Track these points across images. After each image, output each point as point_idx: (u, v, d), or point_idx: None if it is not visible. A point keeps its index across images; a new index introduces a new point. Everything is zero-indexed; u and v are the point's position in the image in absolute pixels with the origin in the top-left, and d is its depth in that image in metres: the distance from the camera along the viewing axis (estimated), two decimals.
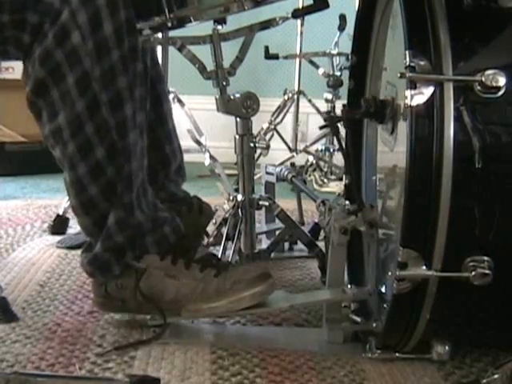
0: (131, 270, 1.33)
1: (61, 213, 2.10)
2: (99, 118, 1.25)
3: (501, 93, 1.07)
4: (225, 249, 1.65)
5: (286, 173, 1.94)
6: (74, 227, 2.08)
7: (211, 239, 1.69)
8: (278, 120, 2.92)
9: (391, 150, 1.29)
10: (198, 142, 2.68)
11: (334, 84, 2.85)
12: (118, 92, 1.25)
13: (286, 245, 1.89)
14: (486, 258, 1.09)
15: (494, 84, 1.06)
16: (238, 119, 1.66)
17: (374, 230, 1.30)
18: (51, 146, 1.31)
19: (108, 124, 1.25)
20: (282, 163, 2.61)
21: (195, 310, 1.32)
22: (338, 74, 2.86)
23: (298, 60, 2.97)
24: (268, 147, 1.78)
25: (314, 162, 2.82)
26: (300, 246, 1.80)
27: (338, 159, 2.82)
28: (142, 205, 1.32)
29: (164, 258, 1.33)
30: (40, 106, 1.28)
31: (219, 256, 1.61)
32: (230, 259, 1.61)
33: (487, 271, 1.08)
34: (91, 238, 1.35)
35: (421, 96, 1.07)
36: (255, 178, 1.74)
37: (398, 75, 1.08)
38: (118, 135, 1.26)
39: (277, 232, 1.84)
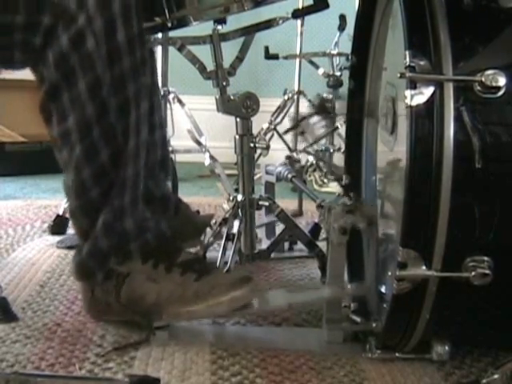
0: (113, 275, 1.33)
1: (61, 213, 2.10)
2: (107, 122, 1.27)
3: (501, 93, 1.07)
4: (225, 249, 1.65)
5: (286, 173, 1.94)
6: None
7: (211, 239, 1.69)
8: (278, 120, 2.92)
9: (391, 150, 1.29)
10: (198, 142, 2.68)
11: (334, 84, 2.85)
12: (126, 99, 1.27)
13: (286, 245, 1.89)
14: (485, 258, 1.09)
15: (494, 84, 1.06)
16: (238, 119, 1.66)
17: (373, 226, 1.30)
18: (58, 148, 1.32)
19: (115, 129, 1.27)
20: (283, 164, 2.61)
21: (175, 314, 1.32)
22: (338, 74, 2.86)
23: (298, 60, 2.96)
24: (268, 147, 1.78)
25: (314, 162, 2.82)
26: (300, 245, 1.80)
27: (338, 159, 2.82)
28: (134, 213, 1.32)
29: (146, 262, 1.33)
30: (51, 109, 1.29)
31: (219, 256, 1.61)
32: (229, 259, 1.61)
33: (487, 271, 1.08)
34: (84, 242, 1.35)
35: (421, 96, 1.07)
36: (255, 178, 1.74)
37: (398, 75, 1.08)
38: (123, 141, 1.28)
39: (277, 231, 1.84)
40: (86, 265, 1.34)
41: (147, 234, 1.34)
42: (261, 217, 1.87)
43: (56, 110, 1.28)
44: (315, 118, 2.79)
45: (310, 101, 2.91)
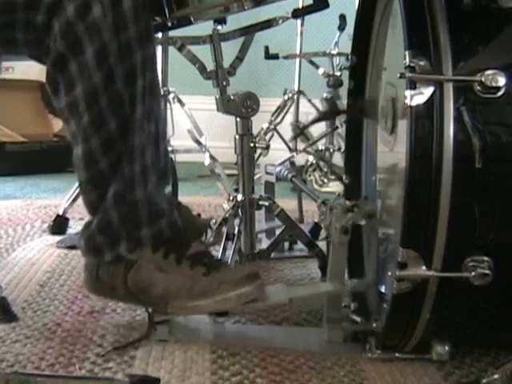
0: (122, 260, 1.32)
1: (61, 213, 2.10)
2: (114, 90, 1.26)
3: (501, 93, 1.07)
4: (225, 249, 1.65)
5: (285, 173, 1.94)
6: (74, 227, 2.08)
7: (211, 239, 1.69)
8: (278, 120, 2.92)
9: (391, 150, 1.29)
10: (198, 142, 2.68)
11: (334, 84, 2.85)
12: (133, 67, 1.26)
13: (286, 245, 1.89)
14: (485, 258, 1.09)
15: (494, 84, 1.06)
16: (238, 119, 1.66)
17: (374, 221, 1.30)
18: (66, 120, 1.31)
19: (122, 97, 1.27)
20: (282, 163, 2.61)
21: (181, 307, 1.31)
22: (337, 73, 2.86)
23: (298, 60, 2.96)
24: (268, 147, 1.78)
25: (314, 162, 2.82)
26: (300, 245, 1.80)
27: (338, 159, 2.82)
28: (147, 185, 1.31)
29: (156, 251, 1.32)
30: (58, 80, 1.28)
31: (219, 256, 1.61)
32: (230, 259, 1.61)
33: (487, 271, 1.08)
34: (94, 215, 1.34)
35: (421, 96, 1.07)
36: (255, 178, 1.74)
37: (398, 75, 1.08)
38: (130, 109, 1.27)
39: (277, 231, 1.84)
40: (94, 239, 1.32)
41: (161, 220, 1.33)
42: (261, 216, 1.87)
43: (63, 81, 1.27)
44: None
45: (314, 105, 2.90)
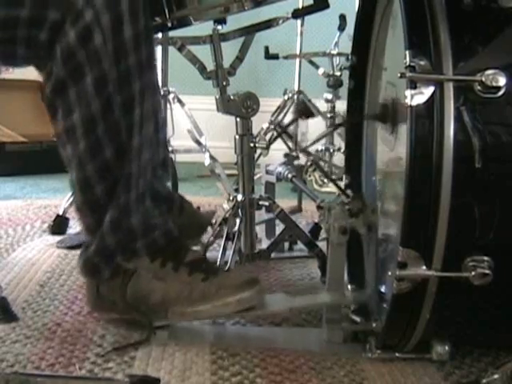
0: (121, 272, 1.33)
1: (61, 213, 2.10)
2: (112, 118, 1.27)
3: (501, 93, 1.07)
4: (225, 249, 1.65)
5: (286, 173, 1.94)
6: (74, 227, 2.08)
7: (211, 239, 1.69)
8: (278, 120, 2.91)
9: (391, 150, 1.29)
10: (198, 142, 2.68)
11: (334, 84, 2.85)
12: (131, 95, 1.27)
13: (286, 245, 1.89)
14: (485, 258, 1.09)
15: (494, 84, 1.06)
16: (238, 119, 1.66)
17: (373, 233, 1.30)
18: (62, 144, 1.32)
19: (119, 125, 1.27)
20: (282, 163, 2.61)
21: (181, 314, 1.31)
22: (338, 74, 2.86)
23: (298, 60, 2.96)
24: (268, 147, 1.78)
25: (309, 163, 2.82)
26: (300, 245, 1.80)
27: (338, 159, 2.82)
28: (141, 210, 1.32)
29: (154, 260, 1.33)
30: (57, 105, 1.29)
31: (219, 256, 1.61)
32: (230, 259, 1.61)
33: (487, 271, 1.08)
34: (92, 239, 1.35)
35: (421, 96, 1.07)
36: (255, 178, 1.74)
37: (398, 75, 1.08)
38: (127, 137, 1.28)
39: (277, 231, 1.84)
40: (92, 262, 1.34)
41: (155, 232, 1.34)
42: (261, 216, 1.87)
43: (62, 106, 1.28)
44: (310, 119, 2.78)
45: (314, 105, 2.90)
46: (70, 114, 1.27)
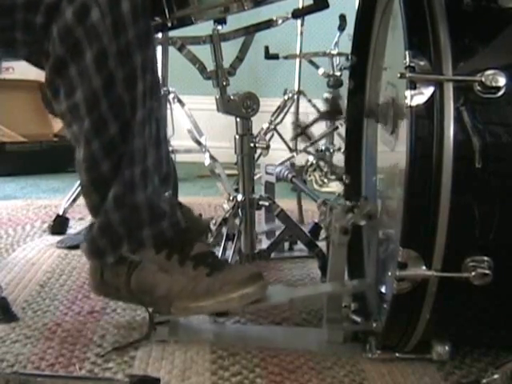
0: (126, 260, 1.33)
1: (61, 213, 2.10)
2: (114, 94, 1.26)
3: (501, 93, 1.07)
4: (225, 249, 1.65)
5: (285, 173, 1.94)
6: (74, 227, 2.09)
7: (211, 239, 1.69)
8: (278, 120, 2.91)
9: (392, 150, 1.29)
10: (198, 142, 2.68)
11: (334, 84, 2.85)
12: (133, 69, 1.26)
13: (286, 245, 1.89)
14: (485, 258, 1.09)
15: (494, 84, 1.06)
16: (238, 119, 1.66)
17: (374, 221, 1.29)
18: (68, 124, 1.31)
19: (122, 101, 1.27)
20: (282, 163, 2.61)
21: (184, 308, 1.31)
22: (338, 74, 2.86)
23: (298, 60, 2.96)
24: (268, 147, 1.78)
25: (314, 162, 2.82)
26: (300, 245, 1.80)
27: (338, 159, 2.82)
28: (148, 188, 1.31)
29: (159, 252, 1.33)
30: (58, 84, 1.28)
31: (219, 256, 1.61)
32: (230, 259, 1.61)
33: (487, 271, 1.08)
34: (96, 218, 1.34)
35: (421, 96, 1.07)
36: (255, 178, 1.74)
37: (398, 75, 1.08)
38: (131, 112, 1.27)
39: (277, 232, 1.84)
40: (96, 242, 1.33)
41: (163, 221, 1.33)
42: (261, 217, 1.87)
43: (63, 85, 1.28)
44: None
45: (314, 106, 2.90)
46: (73, 93, 1.27)
